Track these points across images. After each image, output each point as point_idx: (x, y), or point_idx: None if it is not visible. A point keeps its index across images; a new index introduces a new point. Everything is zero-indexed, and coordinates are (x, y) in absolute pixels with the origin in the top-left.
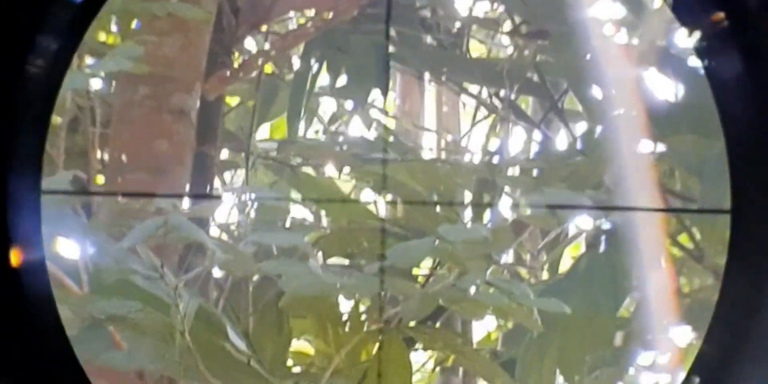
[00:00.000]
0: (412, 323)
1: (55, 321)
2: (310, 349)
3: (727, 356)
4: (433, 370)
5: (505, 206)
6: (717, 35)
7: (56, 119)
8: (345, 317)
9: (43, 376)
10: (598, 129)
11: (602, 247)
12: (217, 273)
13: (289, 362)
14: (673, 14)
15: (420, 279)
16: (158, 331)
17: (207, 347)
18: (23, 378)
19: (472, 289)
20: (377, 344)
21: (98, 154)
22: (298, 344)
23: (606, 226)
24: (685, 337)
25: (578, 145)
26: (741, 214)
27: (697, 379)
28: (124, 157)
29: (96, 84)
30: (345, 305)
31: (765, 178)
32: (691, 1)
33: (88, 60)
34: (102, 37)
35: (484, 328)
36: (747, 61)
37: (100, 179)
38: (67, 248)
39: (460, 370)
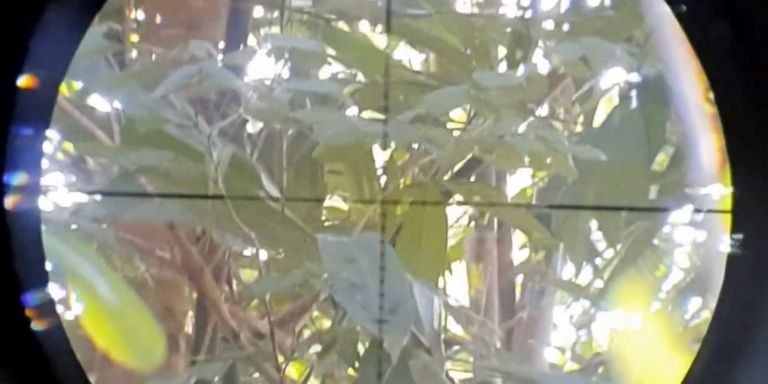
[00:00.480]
0: (447, 176)
1: (54, 317)
2: (344, 206)
3: (727, 356)
4: (468, 224)
5: (538, 58)
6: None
7: None
8: (380, 172)
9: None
10: None
11: (634, 101)
12: (250, 127)
13: (324, 217)
14: None
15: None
16: (190, 181)
17: (240, 196)
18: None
19: (507, 137)
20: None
21: (133, 13)
22: (333, 201)
23: (637, 79)
24: (719, 192)
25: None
26: (741, 214)
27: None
28: (158, 15)
29: None
30: (379, 160)
31: (765, 178)
32: None
33: None
34: None
35: (518, 184)
36: (747, 59)
37: (134, 37)
38: (99, 100)
39: (495, 224)
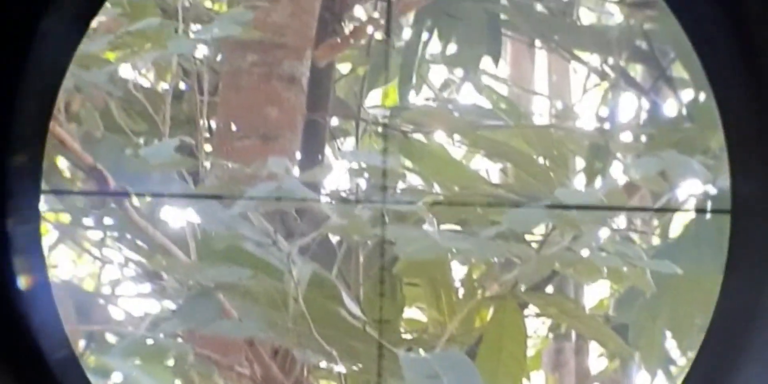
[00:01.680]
0: (524, 288)
1: (54, 318)
2: (422, 317)
3: (727, 356)
4: (546, 335)
5: (617, 171)
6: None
7: (161, 85)
8: (457, 284)
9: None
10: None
11: (709, 212)
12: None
13: (402, 330)
14: None
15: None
16: (270, 299)
17: (320, 314)
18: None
19: (586, 252)
20: (491, 310)
21: (205, 122)
22: (411, 313)
23: (713, 191)
24: None
25: (684, 112)
26: (741, 214)
27: None
28: (233, 125)
29: (203, 50)
30: (457, 272)
31: (765, 178)
32: None
33: (194, 26)
34: (208, 3)
35: (596, 294)
36: (747, 59)
37: (208, 148)
38: (173, 215)
39: (573, 335)
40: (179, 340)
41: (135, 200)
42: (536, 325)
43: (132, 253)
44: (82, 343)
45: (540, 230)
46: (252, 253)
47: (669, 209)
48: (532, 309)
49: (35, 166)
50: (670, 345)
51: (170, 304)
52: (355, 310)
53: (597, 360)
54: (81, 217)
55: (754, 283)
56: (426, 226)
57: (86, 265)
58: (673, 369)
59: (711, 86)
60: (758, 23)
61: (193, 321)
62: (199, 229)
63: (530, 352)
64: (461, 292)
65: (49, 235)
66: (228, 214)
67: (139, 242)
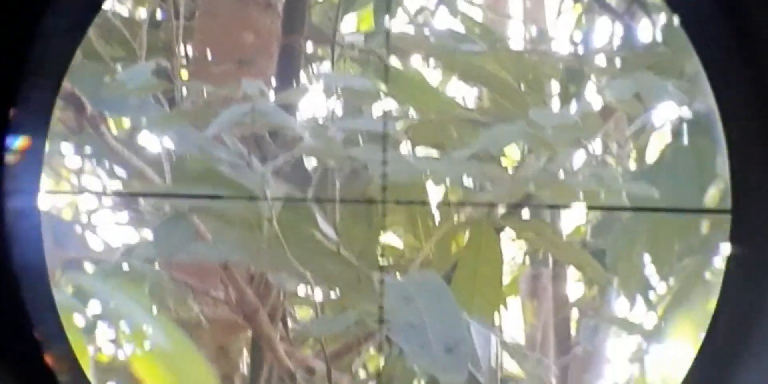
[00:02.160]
0: (501, 210)
1: (55, 321)
2: (399, 243)
3: (727, 356)
4: (523, 261)
5: (592, 94)
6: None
7: (139, 12)
8: (434, 209)
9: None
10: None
11: (685, 137)
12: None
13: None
14: None
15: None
16: (244, 221)
17: (295, 236)
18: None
19: (561, 174)
20: (467, 235)
21: (181, 47)
22: (387, 239)
23: (688, 114)
24: None
25: (660, 36)
26: (741, 214)
27: None
28: (209, 50)
29: None
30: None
31: (765, 178)
32: None
33: None
34: None
35: (572, 221)
36: (747, 59)
37: (184, 74)
38: (148, 139)
39: (550, 261)
40: (155, 266)
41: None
42: (513, 252)
43: (110, 181)
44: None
45: (516, 156)
46: (226, 175)
47: (669, 209)
48: (508, 235)
49: (36, 165)
50: (649, 271)
51: (148, 234)
52: (330, 232)
53: (575, 287)
54: (59, 142)
55: (754, 283)
56: (401, 149)
57: (64, 194)
58: (652, 296)
59: (711, 86)
60: (759, 23)
61: (167, 245)
62: (174, 153)
63: (507, 278)
64: (437, 217)
65: None
66: (201, 137)
67: (116, 169)
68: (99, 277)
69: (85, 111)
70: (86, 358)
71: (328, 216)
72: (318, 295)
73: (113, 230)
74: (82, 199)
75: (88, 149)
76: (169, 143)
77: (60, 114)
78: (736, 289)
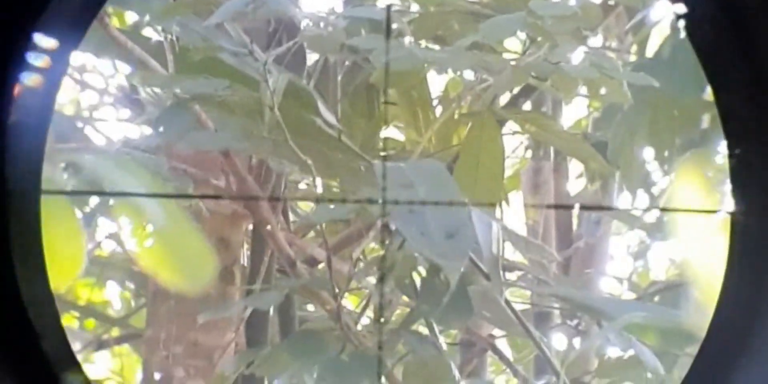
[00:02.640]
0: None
1: (54, 320)
2: (401, 137)
3: (727, 356)
4: (524, 154)
5: None
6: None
7: None
8: (436, 102)
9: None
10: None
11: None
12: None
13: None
14: None
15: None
16: (246, 108)
17: (296, 123)
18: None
19: (563, 64)
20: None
21: None
22: (389, 133)
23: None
24: None
25: None
26: (741, 214)
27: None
28: None
29: None
30: (435, 90)
31: (765, 178)
32: None
33: None
34: None
35: (573, 114)
36: (748, 58)
37: None
38: (151, 29)
39: (552, 155)
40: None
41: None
42: (514, 145)
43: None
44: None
45: (517, 47)
46: (228, 63)
47: (669, 209)
48: (510, 128)
49: (35, 166)
50: (652, 167)
51: (148, 130)
52: (331, 119)
53: (576, 181)
54: None
55: (754, 283)
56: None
57: (66, 90)
58: (654, 190)
59: (711, 86)
60: (759, 22)
61: (169, 132)
62: (176, 42)
63: (508, 172)
64: (439, 110)
65: None
66: (204, 26)
67: (118, 63)
68: (100, 165)
69: None
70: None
71: (329, 106)
72: (319, 187)
73: (115, 126)
74: (84, 95)
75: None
76: (172, 33)
77: None
78: (736, 289)
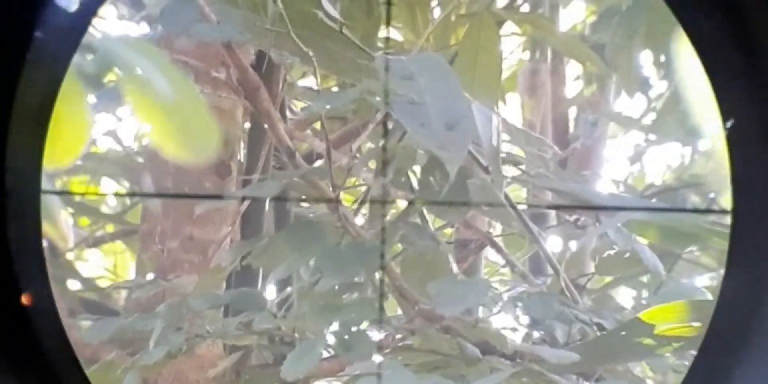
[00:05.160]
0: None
1: (55, 321)
2: (399, 37)
3: (727, 356)
4: (522, 55)
5: None
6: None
7: None
8: (434, 3)
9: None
10: None
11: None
12: None
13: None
14: None
15: None
16: (249, 1)
17: (298, 15)
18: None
19: None
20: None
21: None
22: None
23: None
24: None
25: None
26: (741, 214)
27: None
28: None
29: None
30: None
31: (765, 178)
32: None
33: None
34: None
35: (570, 19)
36: (748, 59)
37: None
38: None
39: (548, 56)
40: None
41: None
42: (512, 46)
43: None
44: None
45: None
46: None
47: (671, 209)
48: (508, 30)
49: (35, 166)
50: (649, 71)
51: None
52: (333, 12)
53: (573, 83)
54: None
55: (754, 283)
56: None
57: None
58: (651, 93)
59: (711, 86)
60: (759, 22)
61: (172, 24)
62: None
63: (506, 73)
64: (437, 11)
65: None
66: None
67: None
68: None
69: None
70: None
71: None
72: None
73: (114, 23)
74: None
75: None
76: None
77: None
78: (736, 289)
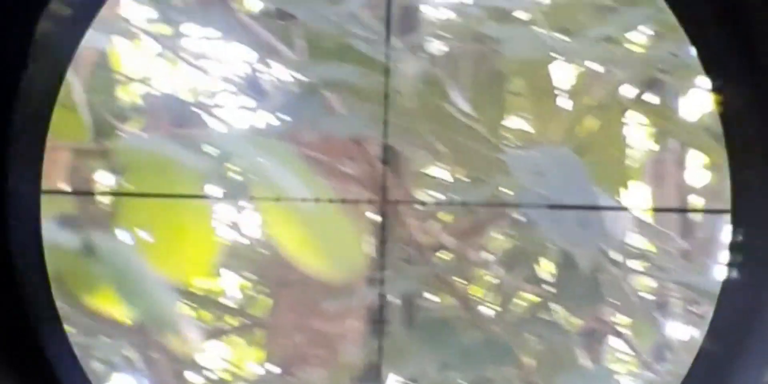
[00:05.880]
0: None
1: (53, 318)
2: (526, 127)
3: (727, 356)
4: (647, 146)
5: None
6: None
7: None
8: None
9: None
10: None
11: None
12: (435, 45)
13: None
14: None
15: None
16: (376, 94)
17: (426, 108)
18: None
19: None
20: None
21: None
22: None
23: None
24: None
25: None
26: (741, 214)
27: None
28: None
29: None
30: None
31: (765, 178)
32: None
33: None
34: None
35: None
36: (747, 58)
37: None
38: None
39: (674, 146)
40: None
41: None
42: (638, 136)
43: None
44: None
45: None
46: (360, 50)
47: (676, 210)
48: (633, 119)
49: (35, 166)
50: None
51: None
52: (463, 105)
53: (698, 173)
54: (178, 23)
55: (755, 283)
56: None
57: (184, 77)
58: None
59: (711, 85)
60: (759, 22)
61: (299, 118)
62: (307, 28)
63: (630, 162)
64: (564, 102)
65: (145, 47)
66: (336, 12)
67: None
68: (233, 141)
69: None
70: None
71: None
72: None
73: (235, 112)
74: (204, 81)
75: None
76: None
77: None
78: (736, 289)
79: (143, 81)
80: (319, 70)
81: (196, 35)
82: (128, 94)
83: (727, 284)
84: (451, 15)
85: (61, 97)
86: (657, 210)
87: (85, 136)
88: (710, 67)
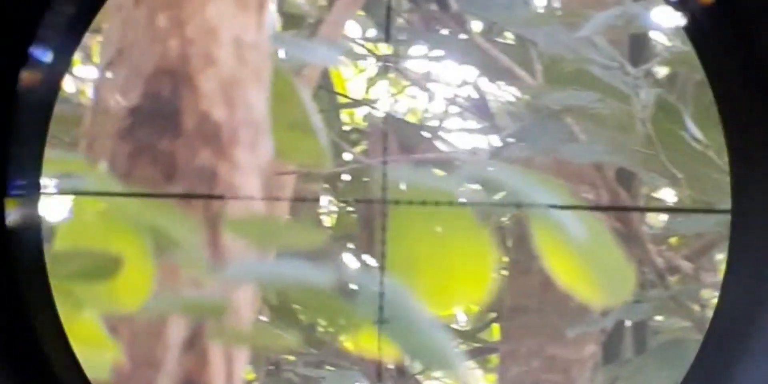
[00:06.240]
0: None
1: (53, 318)
2: None
3: (727, 356)
4: None
5: None
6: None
7: None
8: None
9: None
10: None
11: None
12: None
13: None
14: None
15: None
16: (617, 122)
17: (666, 137)
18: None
19: None
20: None
21: None
22: None
23: None
24: None
25: None
26: (741, 214)
27: None
28: None
29: None
30: None
31: (765, 178)
32: None
33: None
34: None
35: None
36: (747, 57)
37: None
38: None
39: None
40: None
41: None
42: None
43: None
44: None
45: None
46: (599, 76)
47: (672, 209)
48: None
49: (35, 165)
50: None
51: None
52: (698, 134)
53: None
54: (406, 47)
55: (755, 283)
56: None
57: (408, 99)
58: None
59: (711, 86)
60: (760, 24)
61: (539, 144)
62: (543, 52)
63: None
64: None
65: (369, 67)
66: (574, 38)
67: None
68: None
69: (449, 9)
70: None
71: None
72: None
73: (462, 136)
74: (431, 104)
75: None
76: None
77: (406, 15)
78: (736, 289)
79: (366, 102)
80: (558, 96)
81: (419, 55)
82: (350, 116)
83: (727, 284)
84: (677, 42)
85: (293, 119)
86: (654, 210)
87: (324, 162)
88: (712, 67)
